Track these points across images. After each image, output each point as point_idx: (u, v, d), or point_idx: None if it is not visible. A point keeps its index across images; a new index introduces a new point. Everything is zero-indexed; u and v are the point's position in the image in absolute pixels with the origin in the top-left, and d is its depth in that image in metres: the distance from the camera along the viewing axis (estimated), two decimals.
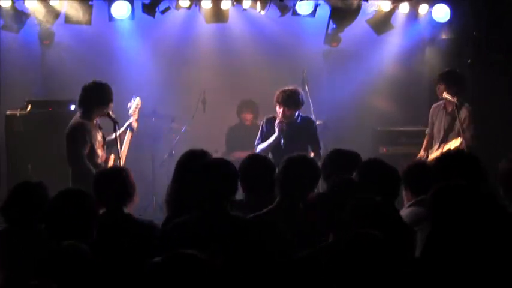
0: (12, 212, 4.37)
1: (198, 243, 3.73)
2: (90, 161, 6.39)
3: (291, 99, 6.81)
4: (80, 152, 6.36)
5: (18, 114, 7.76)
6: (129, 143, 6.82)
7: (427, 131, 7.73)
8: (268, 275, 3.78)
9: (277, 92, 6.87)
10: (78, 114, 6.57)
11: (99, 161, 6.51)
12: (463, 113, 7.30)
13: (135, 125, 6.88)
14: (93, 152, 6.44)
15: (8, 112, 7.82)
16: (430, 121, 7.67)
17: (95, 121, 6.57)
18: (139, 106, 7.00)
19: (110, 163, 6.64)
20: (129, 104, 6.95)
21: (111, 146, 6.69)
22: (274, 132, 6.92)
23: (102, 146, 6.61)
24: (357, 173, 4.28)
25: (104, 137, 6.65)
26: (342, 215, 3.63)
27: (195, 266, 2.96)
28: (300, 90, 6.98)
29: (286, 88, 6.84)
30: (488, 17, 8.71)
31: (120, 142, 6.44)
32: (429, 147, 7.58)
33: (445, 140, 7.35)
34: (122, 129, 6.81)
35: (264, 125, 7.09)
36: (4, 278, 4.29)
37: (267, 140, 6.98)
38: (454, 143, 7.12)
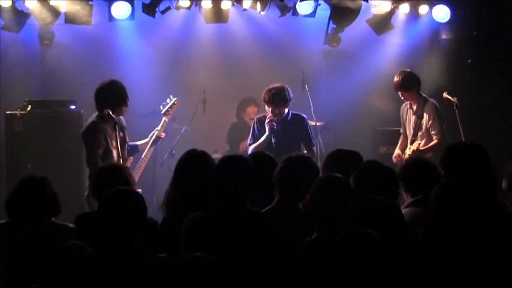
0: (16, 206, 4.37)
1: (219, 240, 3.75)
2: (105, 161, 6.34)
3: (277, 98, 6.80)
4: (93, 152, 6.34)
5: (18, 114, 7.74)
6: (149, 159, 6.80)
7: (401, 130, 7.78)
8: (274, 271, 3.82)
9: (264, 92, 6.88)
10: (94, 114, 6.54)
11: (115, 161, 6.43)
12: (427, 111, 7.36)
13: (162, 135, 6.85)
14: (108, 152, 6.40)
15: (8, 112, 7.81)
16: (402, 121, 7.73)
17: (114, 121, 6.44)
18: (176, 105, 6.96)
19: (128, 165, 6.56)
20: (164, 103, 6.93)
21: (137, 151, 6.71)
22: (265, 131, 6.94)
23: (121, 147, 6.51)
24: (354, 176, 4.28)
25: (124, 138, 6.60)
26: (330, 214, 3.66)
27: (209, 271, 2.96)
28: (286, 86, 6.93)
29: (272, 86, 6.85)
30: (488, 17, 8.71)
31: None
32: (405, 147, 7.64)
33: (415, 140, 7.41)
34: (146, 140, 6.81)
35: (255, 125, 7.10)
36: (3, 271, 4.29)
37: (258, 139, 7.00)
38: (412, 147, 7.21)
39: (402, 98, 7.52)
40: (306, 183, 4.36)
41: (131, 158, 6.63)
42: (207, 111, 8.63)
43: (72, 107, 7.81)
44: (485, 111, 8.57)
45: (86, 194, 6.39)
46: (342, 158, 4.78)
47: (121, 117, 6.59)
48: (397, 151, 7.68)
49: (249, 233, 3.86)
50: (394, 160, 7.55)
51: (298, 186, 4.34)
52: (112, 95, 6.47)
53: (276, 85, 6.88)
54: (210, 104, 8.66)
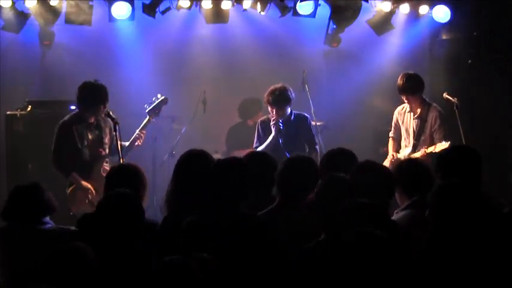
0: (12, 215, 4.39)
1: (212, 242, 3.76)
2: (72, 160, 6.50)
3: (280, 98, 6.92)
4: (56, 150, 6.50)
5: (18, 115, 7.76)
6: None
7: (390, 133, 7.63)
8: (273, 271, 3.82)
9: (266, 94, 6.98)
10: (71, 113, 6.70)
11: (86, 160, 6.61)
12: (432, 115, 7.24)
13: (142, 135, 6.91)
14: (76, 151, 6.53)
15: (8, 112, 7.83)
16: (396, 125, 7.56)
17: (91, 120, 6.62)
18: (164, 103, 7.03)
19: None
20: (149, 102, 6.99)
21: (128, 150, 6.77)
22: (270, 133, 7.01)
23: (98, 146, 6.65)
24: (350, 176, 4.28)
25: (100, 137, 6.69)
26: (335, 214, 3.66)
27: (188, 275, 2.97)
28: (287, 85, 7.03)
29: (274, 88, 6.96)
30: (488, 17, 8.71)
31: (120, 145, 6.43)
32: (396, 151, 7.51)
33: (417, 143, 7.26)
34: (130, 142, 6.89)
35: (259, 128, 7.18)
36: (3, 276, 4.29)
37: (264, 142, 7.04)
38: (440, 146, 6.99)
39: (406, 101, 7.32)
40: (306, 184, 4.37)
41: (122, 160, 6.64)
42: (207, 112, 8.63)
43: (72, 107, 7.79)
44: (485, 111, 8.56)
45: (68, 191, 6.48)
46: (338, 157, 4.80)
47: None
48: (391, 153, 7.53)
49: (243, 236, 3.87)
50: (389, 164, 7.25)
51: (299, 187, 4.34)
52: (100, 94, 6.57)
53: (277, 86, 6.97)
54: (210, 104, 8.66)
